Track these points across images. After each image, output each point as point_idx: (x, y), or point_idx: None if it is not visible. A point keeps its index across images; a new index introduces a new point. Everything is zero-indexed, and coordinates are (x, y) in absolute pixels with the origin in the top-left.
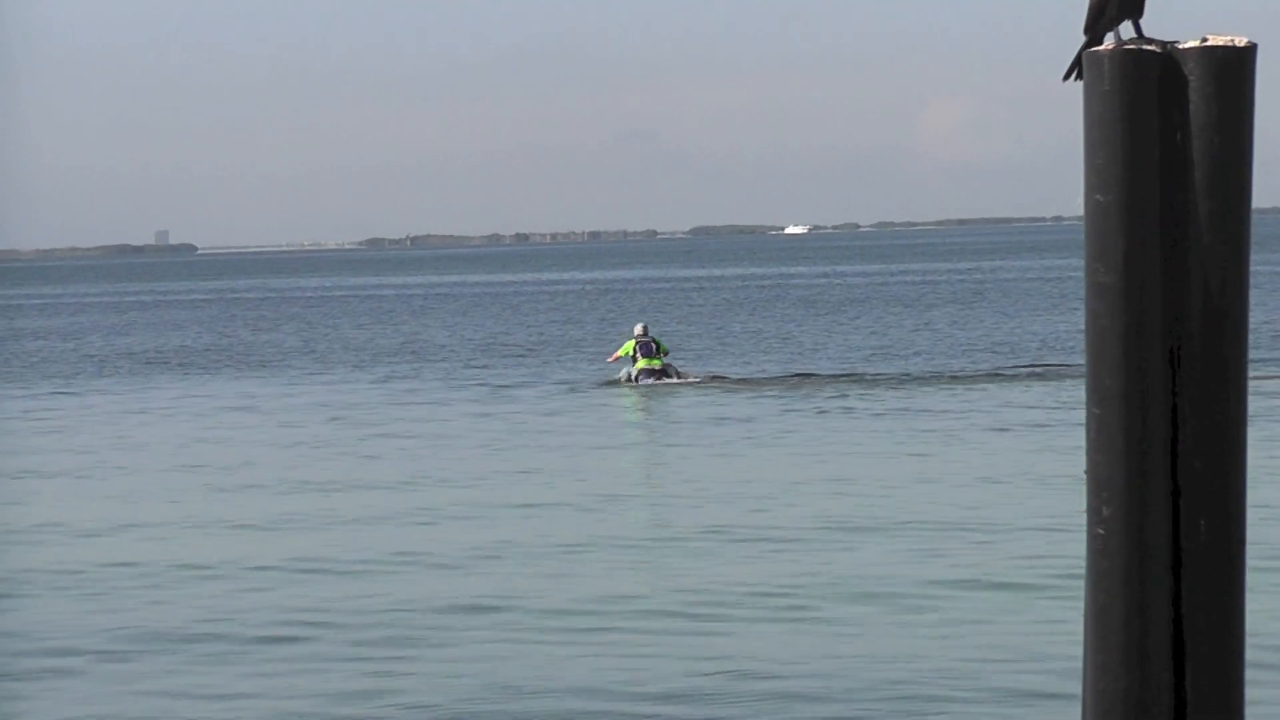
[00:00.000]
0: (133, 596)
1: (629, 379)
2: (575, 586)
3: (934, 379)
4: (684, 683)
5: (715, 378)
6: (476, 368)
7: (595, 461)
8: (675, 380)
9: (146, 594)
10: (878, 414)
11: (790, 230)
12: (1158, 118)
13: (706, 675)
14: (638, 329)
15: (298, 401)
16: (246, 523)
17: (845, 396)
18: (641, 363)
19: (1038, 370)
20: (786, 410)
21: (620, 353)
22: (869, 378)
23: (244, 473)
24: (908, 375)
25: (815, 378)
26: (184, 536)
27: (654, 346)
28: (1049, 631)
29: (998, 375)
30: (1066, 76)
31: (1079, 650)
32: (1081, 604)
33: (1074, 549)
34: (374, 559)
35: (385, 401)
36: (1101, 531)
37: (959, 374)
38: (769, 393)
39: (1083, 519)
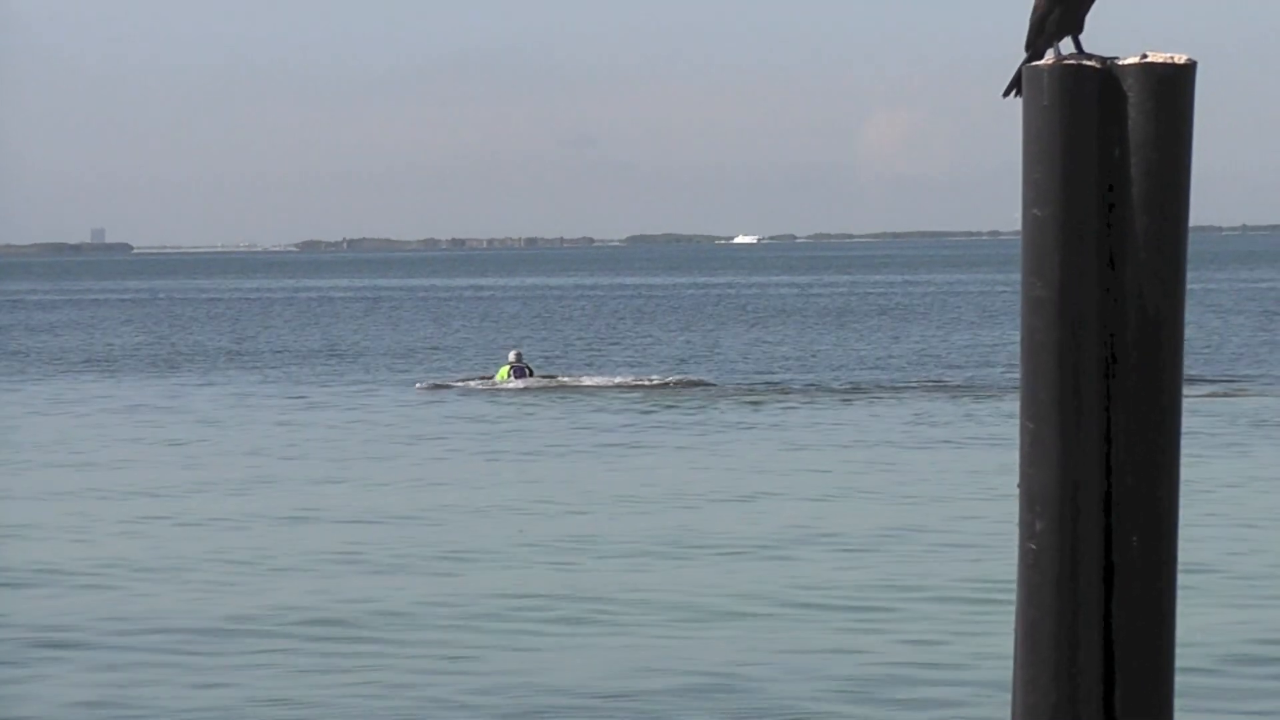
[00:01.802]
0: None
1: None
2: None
3: (852, 390)
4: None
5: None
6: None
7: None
8: (556, 381)
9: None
10: (783, 424)
11: (740, 240)
12: (1096, 133)
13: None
14: (511, 356)
15: (192, 403)
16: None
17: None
18: (516, 385)
19: (965, 384)
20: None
21: (497, 378)
22: (779, 387)
23: (106, 474)
24: (818, 385)
25: (713, 386)
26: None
27: (527, 372)
28: (977, 647)
29: (924, 387)
30: (1007, 93)
31: (1008, 665)
32: (1011, 619)
33: (1002, 566)
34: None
35: (287, 403)
36: (1034, 546)
37: (877, 386)
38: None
39: (1011, 535)
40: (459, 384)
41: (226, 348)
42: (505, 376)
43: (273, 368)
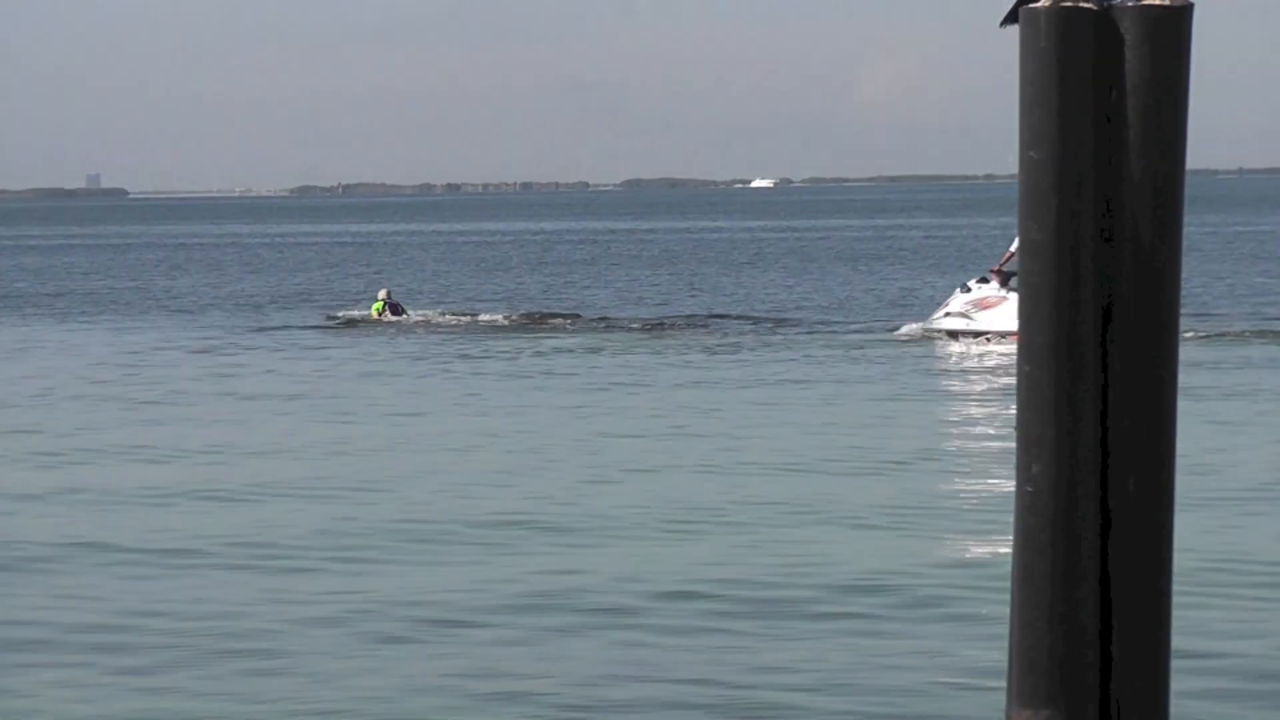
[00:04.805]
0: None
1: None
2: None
3: (825, 332)
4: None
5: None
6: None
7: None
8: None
9: None
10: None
11: (757, 184)
12: (1092, 75)
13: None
14: (381, 294)
15: (150, 346)
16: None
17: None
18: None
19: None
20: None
21: (372, 312)
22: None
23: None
24: (748, 319)
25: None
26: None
27: (399, 308)
28: (973, 593)
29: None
30: (1004, 23)
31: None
32: (1008, 565)
33: (1000, 508)
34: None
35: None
36: (1030, 489)
37: (855, 330)
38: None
39: (1009, 479)
40: (340, 316)
41: (264, 292)
42: (380, 310)
43: (194, 313)
